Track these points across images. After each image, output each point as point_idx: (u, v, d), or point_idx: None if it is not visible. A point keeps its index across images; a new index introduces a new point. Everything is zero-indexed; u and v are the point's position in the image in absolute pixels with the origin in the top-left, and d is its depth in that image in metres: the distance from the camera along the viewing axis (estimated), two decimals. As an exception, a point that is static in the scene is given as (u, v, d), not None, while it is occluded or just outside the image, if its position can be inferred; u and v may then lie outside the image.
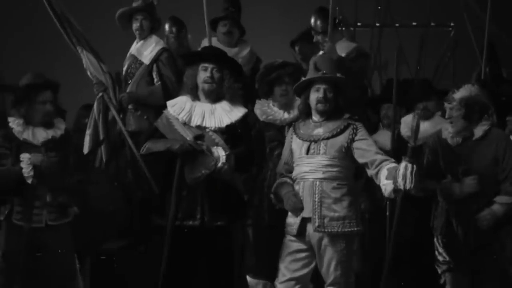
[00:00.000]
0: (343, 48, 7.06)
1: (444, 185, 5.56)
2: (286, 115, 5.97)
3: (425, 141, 5.86)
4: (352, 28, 8.95)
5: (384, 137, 6.41)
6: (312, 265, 5.37)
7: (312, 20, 7.11)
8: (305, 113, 5.49)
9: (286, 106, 6.00)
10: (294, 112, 5.89)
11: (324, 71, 5.41)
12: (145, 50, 6.92)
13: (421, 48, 8.79)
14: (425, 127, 6.44)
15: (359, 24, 9.16)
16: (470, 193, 5.46)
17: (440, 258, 5.66)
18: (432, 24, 9.37)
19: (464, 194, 5.48)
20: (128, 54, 7.01)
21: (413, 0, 9.14)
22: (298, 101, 5.80)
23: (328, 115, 5.40)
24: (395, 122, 5.47)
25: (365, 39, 7.58)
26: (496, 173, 5.49)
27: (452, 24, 9.43)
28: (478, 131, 5.55)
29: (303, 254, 5.39)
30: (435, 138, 5.73)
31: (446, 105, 5.59)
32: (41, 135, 5.70)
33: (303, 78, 5.57)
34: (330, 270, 5.29)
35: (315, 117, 5.45)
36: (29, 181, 5.54)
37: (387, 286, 5.43)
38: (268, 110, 6.00)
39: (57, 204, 5.67)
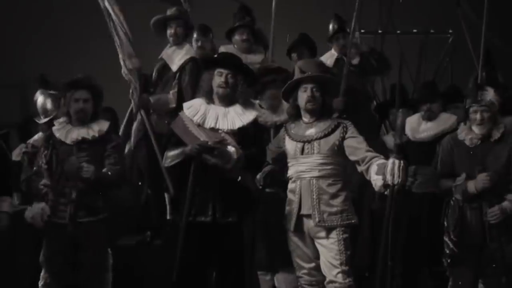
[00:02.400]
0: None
1: (459, 183, 5.59)
2: (275, 118, 6.09)
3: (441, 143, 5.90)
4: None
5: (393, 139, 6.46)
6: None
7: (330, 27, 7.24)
8: (295, 115, 5.54)
9: (273, 108, 6.12)
10: (281, 116, 6.01)
11: (309, 72, 5.46)
12: (176, 57, 6.97)
13: (421, 54, 8.79)
14: (429, 127, 6.49)
15: (362, 31, 9.19)
16: (483, 188, 5.50)
17: (449, 252, 5.70)
18: (432, 31, 9.34)
19: (478, 191, 5.52)
20: (160, 58, 7.04)
21: (414, 9, 9.18)
22: (285, 106, 5.87)
23: (317, 115, 5.45)
24: (397, 123, 5.50)
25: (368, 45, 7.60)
26: (509, 173, 5.56)
27: (450, 31, 9.46)
28: (496, 133, 5.61)
29: (306, 248, 5.46)
30: (450, 140, 5.78)
31: (476, 107, 5.59)
32: (73, 135, 5.77)
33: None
34: (330, 261, 5.33)
35: (306, 118, 5.50)
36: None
37: (384, 284, 5.46)
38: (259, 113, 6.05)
39: (85, 202, 5.71)
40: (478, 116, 5.59)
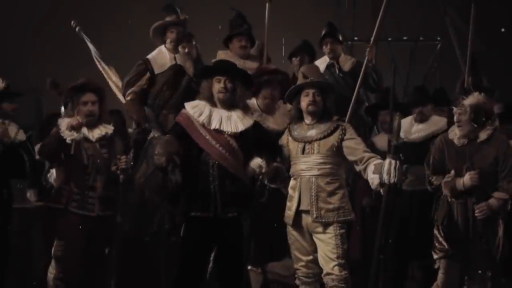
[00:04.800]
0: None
1: (448, 179, 5.68)
2: (272, 124, 6.14)
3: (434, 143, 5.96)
4: (350, 42, 9.08)
5: (382, 140, 6.52)
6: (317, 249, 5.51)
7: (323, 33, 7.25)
8: (297, 117, 5.65)
9: (267, 108, 6.19)
10: (279, 125, 6.06)
11: (312, 78, 5.55)
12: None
13: (411, 59, 8.87)
14: (420, 128, 6.56)
15: (355, 38, 9.29)
16: (471, 186, 5.59)
17: (438, 245, 5.77)
18: (421, 38, 9.49)
19: (466, 188, 5.61)
20: (167, 64, 6.87)
21: (404, 17, 9.27)
22: (279, 106, 6.09)
23: (318, 118, 5.55)
24: (393, 125, 5.54)
25: (361, 52, 7.64)
26: (495, 173, 5.65)
27: (438, 38, 9.53)
28: (483, 134, 5.69)
29: (305, 242, 5.54)
30: (442, 139, 5.86)
31: (456, 110, 5.71)
32: (96, 132, 5.82)
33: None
34: (328, 254, 5.42)
35: (307, 120, 5.61)
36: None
37: (377, 279, 5.55)
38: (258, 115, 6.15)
39: (107, 196, 5.78)
40: (455, 118, 5.70)
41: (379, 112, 6.93)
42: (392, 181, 5.23)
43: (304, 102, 5.56)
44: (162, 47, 6.91)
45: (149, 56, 6.86)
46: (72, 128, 5.71)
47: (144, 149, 6.73)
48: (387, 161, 5.25)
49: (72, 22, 7.20)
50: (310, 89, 5.55)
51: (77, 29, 7.22)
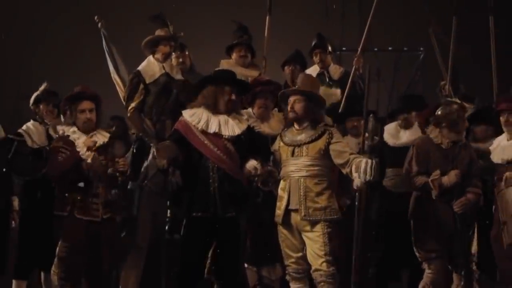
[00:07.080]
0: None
1: (435, 177, 5.88)
2: (267, 129, 6.26)
3: (414, 145, 6.13)
4: (338, 52, 9.24)
5: (349, 142, 6.64)
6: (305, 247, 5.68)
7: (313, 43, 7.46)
8: (289, 123, 5.85)
9: (262, 116, 6.33)
10: (274, 130, 6.19)
11: (297, 86, 5.76)
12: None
13: (395, 69, 9.04)
14: (407, 135, 6.70)
15: (344, 48, 9.43)
16: (456, 182, 5.83)
17: (428, 247, 5.91)
18: (405, 48, 9.65)
19: (451, 184, 5.85)
20: (156, 74, 6.87)
21: (389, 29, 9.40)
22: (273, 115, 6.23)
23: (306, 123, 5.72)
24: (368, 127, 5.65)
25: (349, 61, 7.80)
26: (469, 172, 5.93)
27: (421, 48, 9.67)
28: (462, 138, 6.01)
29: (294, 240, 5.69)
30: (425, 141, 6.07)
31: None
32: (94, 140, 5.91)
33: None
34: (316, 251, 5.55)
35: (296, 126, 5.79)
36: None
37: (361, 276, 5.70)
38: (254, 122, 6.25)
39: (111, 200, 5.90)
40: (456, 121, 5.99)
41: (347, 118, 7.09)
42: (368, 179, 5.37)
43: (286, 109, 5.76)
44: (151, 58, 6.92)
45: (140, 68, 6.88)
46: (88, 149, 5.81)
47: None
48: (364, 160, 5.38)
49: (96, 17, 7.22)
50: (292, 97, 5.73)
51: (99, 24, 7.24)
